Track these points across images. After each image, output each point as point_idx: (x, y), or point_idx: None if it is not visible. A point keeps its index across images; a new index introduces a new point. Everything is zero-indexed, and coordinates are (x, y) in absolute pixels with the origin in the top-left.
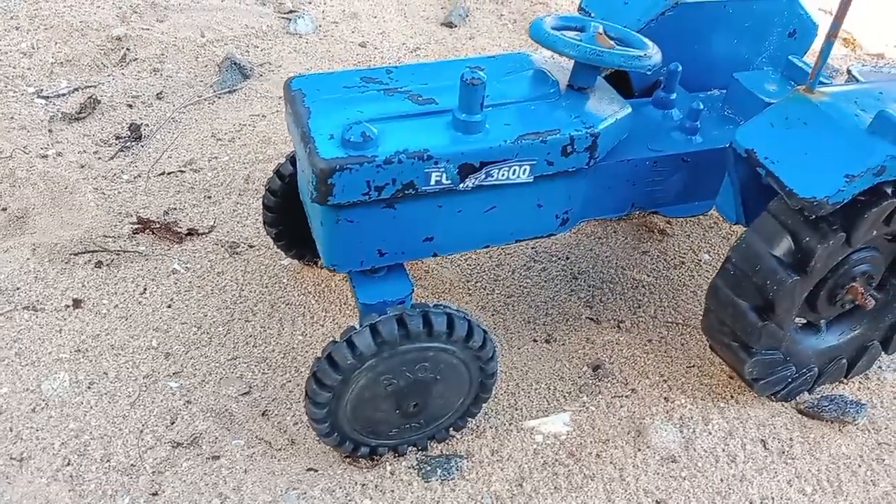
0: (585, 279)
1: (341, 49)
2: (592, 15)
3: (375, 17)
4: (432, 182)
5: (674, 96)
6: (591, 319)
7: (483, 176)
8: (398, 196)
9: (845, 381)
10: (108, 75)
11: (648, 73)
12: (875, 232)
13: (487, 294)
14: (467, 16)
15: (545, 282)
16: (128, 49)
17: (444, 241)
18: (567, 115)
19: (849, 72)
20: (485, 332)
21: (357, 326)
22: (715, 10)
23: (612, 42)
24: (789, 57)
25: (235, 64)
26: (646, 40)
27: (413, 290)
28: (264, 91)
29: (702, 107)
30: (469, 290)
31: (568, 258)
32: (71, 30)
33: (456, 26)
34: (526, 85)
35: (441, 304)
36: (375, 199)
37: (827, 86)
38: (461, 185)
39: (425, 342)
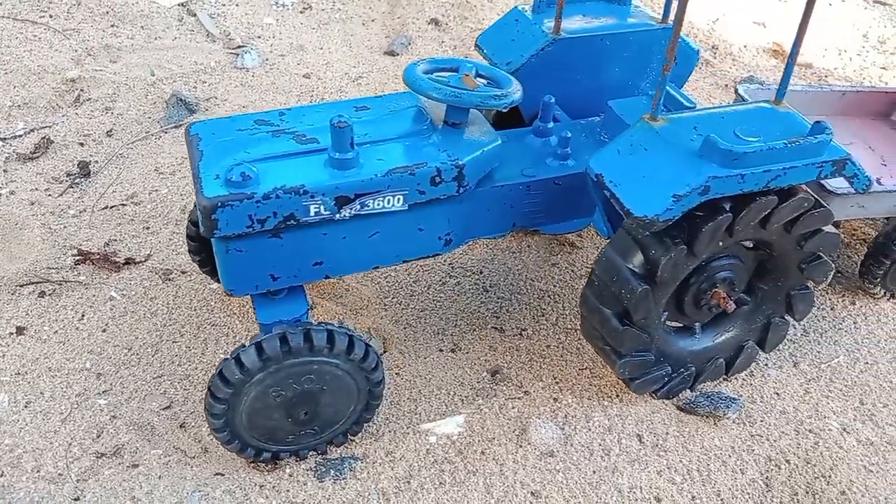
0: (495, 291)
1: (286, 80)
2: (485, 52)
3: (321, 49)
4: (312, 213)
5: (551, 125)
6: (496, 329)
7: (359, 206)
8: (281, 227)
9: (727, 378)
10: (63, 115)
11: (504, 109)
12: (721, 243)
13: (402, 308)
14: (409, 44)
15: (458, 295)
16: (81, 90)
17: (333, 265)
18: (436, 149)
19: (736, 91)
20: (366, 344)
21: (245, 345)
22: (592, 43)
23: (477, 82)
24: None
25: (181, 100)
26: (511, 79)
27: (309, 308)
28: None
29: (569, 134)
30: (385, 305)
31: (481, 272)
32: (29, 73)
33: (398, 54)
34: (404, 122)
35: (324, 323)
36: (260, 231)
37: (674, 113)
38: (338, 216)
39: (308, 357)
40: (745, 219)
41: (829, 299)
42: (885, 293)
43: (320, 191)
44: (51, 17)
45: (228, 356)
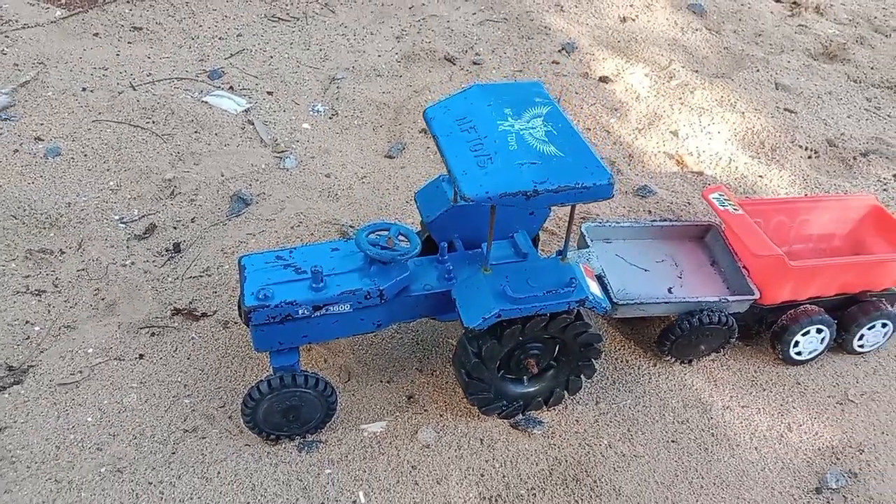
0: (422, 344)
1: (313, 179)
2: (418, 204)
3: (341, 152)
4: (300, 314)
5: (446, 257)
6: (418, 369)
7: (324, 310)
8: (284, 320)
9: (546, 409)
10: (163, 206)
11: (403, 260)
12: (520, 338)
13: (363, 353)
14: (403, 149)
15: (399, 346)
16: (175, 186)
17: (312, 338)
18: (369, 279)
19: (580, 229)
20: (327, 382)
21: (262, 379)
22: (477, 206)
23: (396, 242)
24: (513, 235)
25: (241, 197)
26: (417, 239)
27: (299, 359)
28: (258, 215)
29: (451, 266)
30: (353, 350)
31: (416, 331)
32: (140, 173)
33: (394, 157)
34: (355, 261)
35: (304, 370)
36: (273, 321)
37: (498, 263)
38: (314, 315)
39: (294, 388)
40: (530, 327)
41: (638, 360)
42: (674, 359)
43: (304, 303)
44: (153, 123)
45: (253, 384)
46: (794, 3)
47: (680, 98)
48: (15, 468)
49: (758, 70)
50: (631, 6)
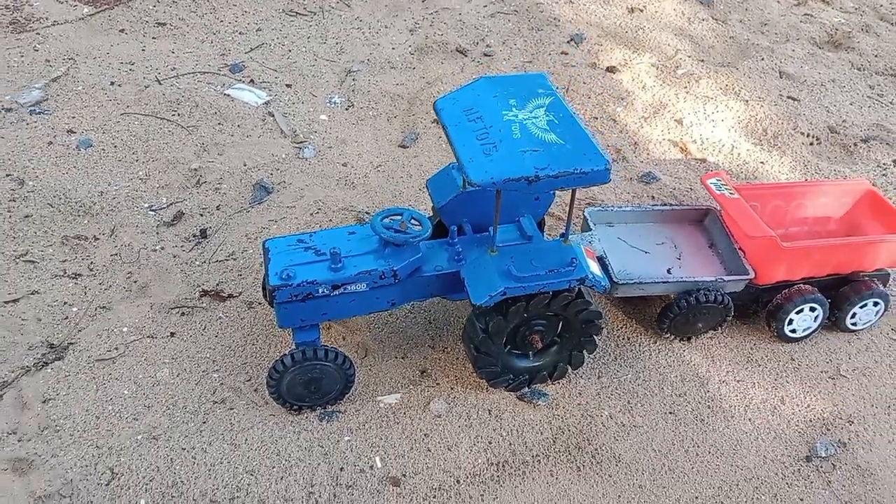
0: (434, 323)
1: (331, 168)
2: (430, 191)
3: (356, 142)
4: (320, 292)
5: (456, 240)
6: (430, 346)
7: (343, 289)
8: (305, 298)
9: (551, 382)
10: (189, 194)
11: (415, 242)
12: (525, 315)
13: (379, 331)
14: (416, 139)
15: (413, 325)
16: (201, 176)
17: (331, 315)
18: (384, 260)
19: (583, 213)
20: (345, 356)
21: (286, 353)
22: (483, 192)
23: (408, 225)
24: (519, 219)
25: (262, 185)
26: (428, 223)
27: (319, 335)
28: (279, 202)
29: (460, 248)
30: (370, 328)
31: (429, 311)
32: (167, 163)
33: (407, 147)
34: (371, 244)
35: (324, 345)
36: (295, 300)
37: (505, 244)
38: (334, 293)
39: (314, 361)
40: (533, 304)
41: (639, 338)
42: (673, 336)
43: (324, 282)
44: (179, 115)
45: (278, 358)
46: None
47: (685, 87)
48: (59, 436)
49: (762, 59)
50: None
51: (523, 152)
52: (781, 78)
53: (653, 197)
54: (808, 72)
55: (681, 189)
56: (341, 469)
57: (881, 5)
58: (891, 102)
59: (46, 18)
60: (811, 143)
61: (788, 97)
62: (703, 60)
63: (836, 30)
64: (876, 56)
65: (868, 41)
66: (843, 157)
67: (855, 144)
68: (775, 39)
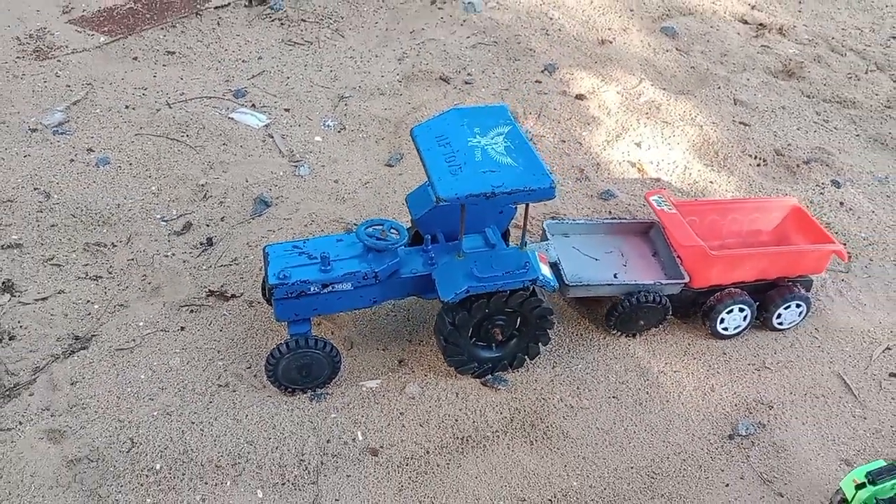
0: (412, 319)
1: (324, 185)
2: (408, 205)
3: (347, 161)
4: (311, 290)
5: (430, 247)
6: (407, 340)
7: (331, 288)
8: (298, 295)
9: (511, 370)
10: (197, 207)
11: (394, 248)
12: (486, 310)
13: (363, 325)
14: (402, 158)
15: (393, 321)
16: (207, 191)
17: (322, 310)
18: (367, 264)
19: (542, 226)
20: (332, 345)
21: (282, 342)
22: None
23: (387, 234)
24: (486, 229)
25: (263, 199)
26: (405, 232)
27: (310, 328)
28: (277, 215)
29: (433, 254)
30: (355, 323)
31: (408, 309)
32: (177, 179)
33: (393, 166)
34: (356, 249)
35: (314, 336)
36: (290, 297)
37: (470, 251)
38: (323, 291)
39: (305, 349)
40: (494, 301)
41: (590, 334)
42: (619, 332)
43: (315, 282)
44: (187, 136)
45: (275, 346)
46: (761, 24)
47: (647, 113)
48: (86, 412)
49: (719, 87)
50: (609, 29)
51: (483, 173)
52: (735, 105)
53: (610, 212)
54: (761, 99)
55: (635, 205)
56: (328, 441)
57: (833, 38)
58: (835, 128)
59: (66, 46)
60: (758, 165)
61: (740, 122)
62: (664, 89)
63: (790, 60)
64: (824, 84)
65: (818, 71)
66: (787, 176)
67: (798, 166)
68: (733, 69)
